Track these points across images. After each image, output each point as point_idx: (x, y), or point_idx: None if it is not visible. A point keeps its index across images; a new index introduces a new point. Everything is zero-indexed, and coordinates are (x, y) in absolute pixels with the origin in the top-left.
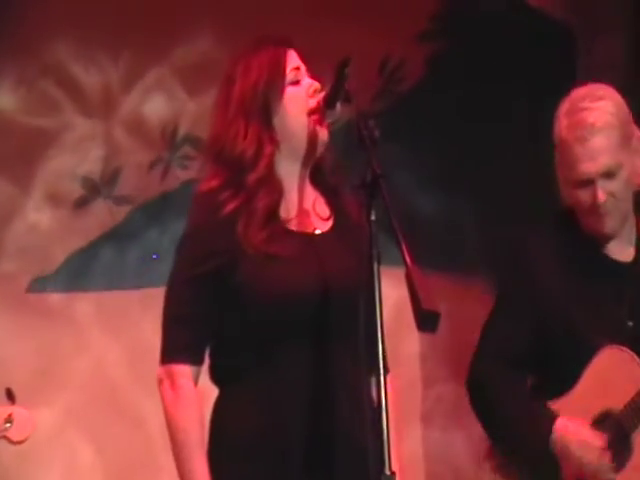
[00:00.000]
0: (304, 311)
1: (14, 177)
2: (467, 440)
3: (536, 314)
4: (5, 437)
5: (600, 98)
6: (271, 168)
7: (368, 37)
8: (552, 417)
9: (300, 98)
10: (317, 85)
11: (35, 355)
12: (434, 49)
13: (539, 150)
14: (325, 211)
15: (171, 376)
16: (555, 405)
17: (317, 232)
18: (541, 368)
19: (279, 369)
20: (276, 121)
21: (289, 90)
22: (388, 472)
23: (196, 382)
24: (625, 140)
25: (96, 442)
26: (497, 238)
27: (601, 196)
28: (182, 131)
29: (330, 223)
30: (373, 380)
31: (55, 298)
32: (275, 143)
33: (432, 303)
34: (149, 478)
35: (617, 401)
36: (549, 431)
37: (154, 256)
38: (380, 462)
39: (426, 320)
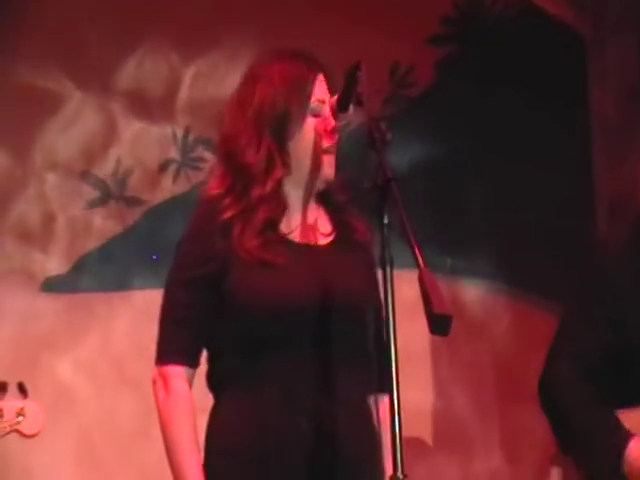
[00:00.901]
0: (298, 319)
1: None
2: None
3: (614, 322)
4: (17, 431)
5: None
6: (278, 189)
7: (378, 41)
8: (627, 436)
9: (319, 134)
10: (334, 124)
11: (48, 355)
12: (444, 53)
13: (551, 152)
14: (327, 227)
15: (165, 377)
16: (625, 417)
17: (315, 243)
18: (619, 376)
19: (268, 375)
20: (290, 145)
21: (309, 121)
22: (401, 475)
23: (190, 384)
24: None
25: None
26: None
27: None
28: (194, 133)
29: (331, 238)
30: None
31: (66, 299)
32: (286, 168)
33: (444, 306)
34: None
35: None
36: (622, 451)
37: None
38: (376, 468)
39: (439, 323)
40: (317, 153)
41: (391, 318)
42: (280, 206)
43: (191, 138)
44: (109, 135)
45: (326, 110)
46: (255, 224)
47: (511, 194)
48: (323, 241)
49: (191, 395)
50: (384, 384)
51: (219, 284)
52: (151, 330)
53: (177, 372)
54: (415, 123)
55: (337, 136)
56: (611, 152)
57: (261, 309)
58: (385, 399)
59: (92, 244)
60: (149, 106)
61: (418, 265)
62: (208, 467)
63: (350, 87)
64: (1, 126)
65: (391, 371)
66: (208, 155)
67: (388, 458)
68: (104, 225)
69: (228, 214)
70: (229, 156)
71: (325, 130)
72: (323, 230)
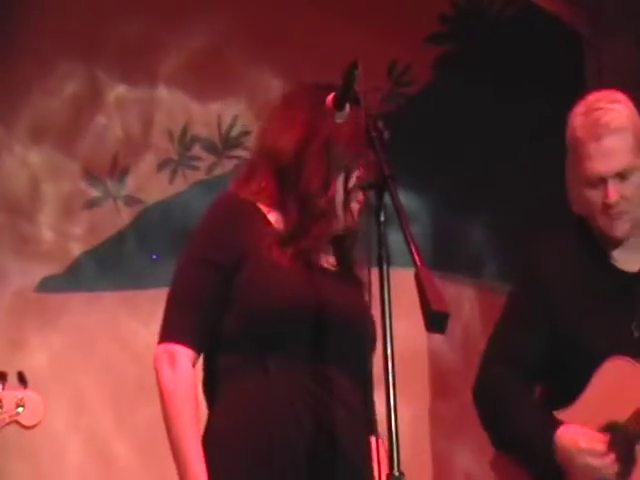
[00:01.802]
0: (297, 318)
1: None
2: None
3: (546, 324)
4: (16, 422)
5: (616, 101)
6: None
7: (377, 40)
8: (555, 425)
9: (352, 187)
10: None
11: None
12: (442, 52)
13: (548, 151)
14: (331, 259)
15: (171, 354)
16: (560, 416)
17: (323, 265)
18: (549, 378)
19: (270, 373)
20: (340, 191)
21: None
22: (397, 473)
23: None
24: (637, 147)
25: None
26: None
27: (613, 195)
28: (191, 132)
29: (335, 269)
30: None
31: (63, 298)
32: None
33: (441, 304)
34: None
35: (622, 412)
36: (551, 439)
37: (153, 257)
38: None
39: (435, 321)
40: (350, 209)
41: (388, 317)
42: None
43: (188, 137)
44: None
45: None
46: (306, 242)
47: (510, 192)
48: (330, 267)
49: (196, 378)
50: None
51: (235, 276)
52: (154, 330)
53: (184, 352)
54: (413, 121)
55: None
56: None
57: (267, 304)
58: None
59: (90, 243)
60: None
61: (414, 262)
62: (210, 464)
63: (347, 86)
64: None
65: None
66: (204, 154)
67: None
68: (101, 224)
69: (274, 219)
70: (281, 171)
71: (356, 190)
72: (329, 260)
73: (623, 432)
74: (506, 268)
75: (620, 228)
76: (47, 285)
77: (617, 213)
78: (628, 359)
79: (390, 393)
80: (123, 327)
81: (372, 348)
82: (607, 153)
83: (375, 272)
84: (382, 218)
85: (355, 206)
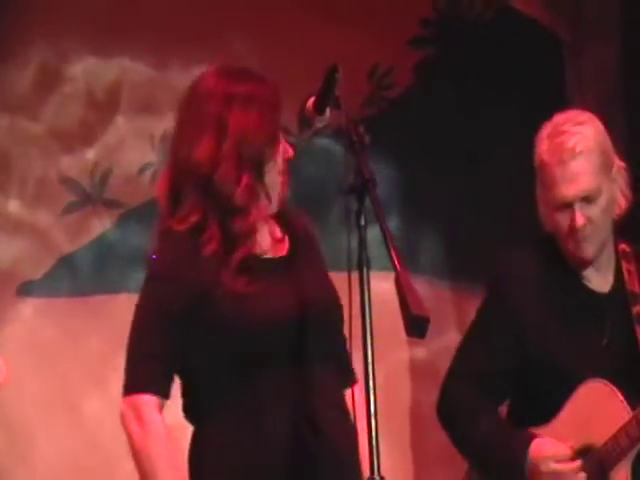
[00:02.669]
0: (282, 337)
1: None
2: None
3: (514, 342)
4: None
5: (581, 123)
6: (259, 221)
7: (358, 43)
8: (527, 440)
9: (281, 158)
10: (291, 153)
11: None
12: (424, 56)
13: (529, 157)
14: (277, 231)
15: (136, 408)
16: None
17: (282, 255)
18: (519, 395)
19: (260, 393)
20: (267, 177)
21: (280, 149)
22: (377, 477)
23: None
24: (605, 167)
25: None
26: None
27: (579, 220)
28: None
29: (286, 245)
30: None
31: (42, 303)
32: (269, 200)
33: (421, 308)
34: None
35: (598, 436)
36: (522, 457)
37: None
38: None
39: (415, 325)
40: (283, 180)
41: (368, 320)
42: (257, 239)
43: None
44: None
45: (281, 137)
46: (236, 260)
47: (488, 197)
48: (283, 249)
49: (166, 426)
50: (348, 378)
51: (194, 316)
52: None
53: (149, 401)
54: (394, 125)
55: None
56: None
57: (250, 331)
58: (348, 391)
59: (70, 247)
60: None
61: (394, 267)
62: None
63: (328, 89)
64: None
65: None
66: None
67: (364, 453)
68: (82, 227)
69: (208, 250)
70: (206, 186)
71: (287, 155)
72: (276, 235)
73: (598, 457)
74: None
75: (587, 250)
76: (26, 290)
77: (584, 236)
78: (606, 382)
79: (370, 398)
80: (104, 332)
81: (342, 323)
82: (573, 178)
83: (355, 276)
84: (362, 222)
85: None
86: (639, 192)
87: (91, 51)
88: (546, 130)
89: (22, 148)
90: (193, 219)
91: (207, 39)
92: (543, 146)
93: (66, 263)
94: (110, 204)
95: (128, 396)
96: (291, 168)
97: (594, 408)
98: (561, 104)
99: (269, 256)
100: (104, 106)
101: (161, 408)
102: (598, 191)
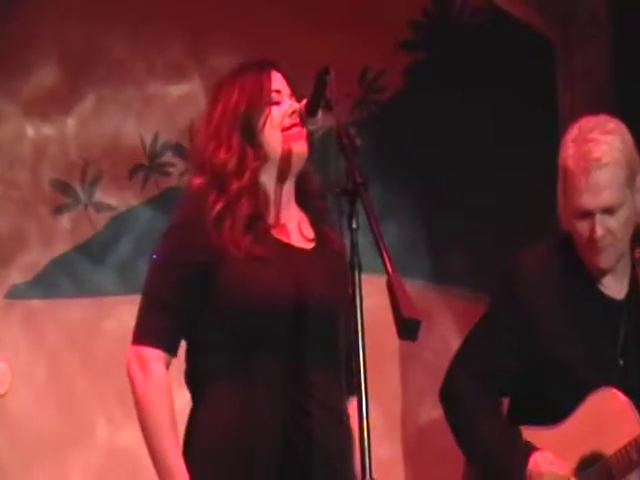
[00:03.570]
0: (279, 316)
1: None
2: None
3: (522, 342)
4: None
5: (609, 132)
6: (255, 180)
7: (348, 46)
8: (527, 451)
9: (277, 117)
10: (296, 106)
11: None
12: (414, 59)
13: (520, 158)
14: (310, 232)
15: (142, 359)
16: (543, 437)
17: (298, 245)
18: (523, 393)
19: (253, 373)
20: (261, 137)
21: (272, 110)
22: (369, 478)
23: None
24: (629, 178)
25: None
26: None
27: (599, 231)
28: (162, 139)
29: (313, 244)
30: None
31: (33, 305)
32: (261, 158)
33: (413, 311)
34: None
35: (607, 445)
36: (523, 468)
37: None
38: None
39: (407, 328)
40: (278, 134)
41: (360, 323)
42: (261, 199)
43: (160, 143)
44: None
45: (284, 97)
46: (241, 219)
47: (480, 201)
48: (306, 245)
49: (170, 380)
50: (352, 388)
51: (208, 276)
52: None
53: (156, 355)
54: (385, 127)
55: (299, 119)
56: None
57: (251, 303)
58: (353, 401)
59: (60, 250)
60: None
61: (386, 270)
62: (191, 466)
63: (319, 91)
64: None
65: (359, 377)
66: (177, 160)
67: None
68: (73, 230)
69: (217, 208)
70: (203, 165)
71: (285, 112)
72: (307, 234)
73: (607, 467)
74: (472, 272)
75: (605, 261)
76: (17, 292)
77: (602, 247)
78: (619, 392)
79: (362, 400)
80: (97, 333)
81: (344, 329)
82: (596, 190)
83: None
84: (354, 225)
85: (297, 133)
86: None
87: None
88: (573, 133)
89: None
90: (199, 181)
91: (195, 45)
92: (569, 151)
93: (57, 266)
94: (101, 207)
95: (136, 346)
96: None
97: (606, 416)
98: (551, 107)
99: (283, 239)
100: None
101: (167, 364)
102: (620, 203)
